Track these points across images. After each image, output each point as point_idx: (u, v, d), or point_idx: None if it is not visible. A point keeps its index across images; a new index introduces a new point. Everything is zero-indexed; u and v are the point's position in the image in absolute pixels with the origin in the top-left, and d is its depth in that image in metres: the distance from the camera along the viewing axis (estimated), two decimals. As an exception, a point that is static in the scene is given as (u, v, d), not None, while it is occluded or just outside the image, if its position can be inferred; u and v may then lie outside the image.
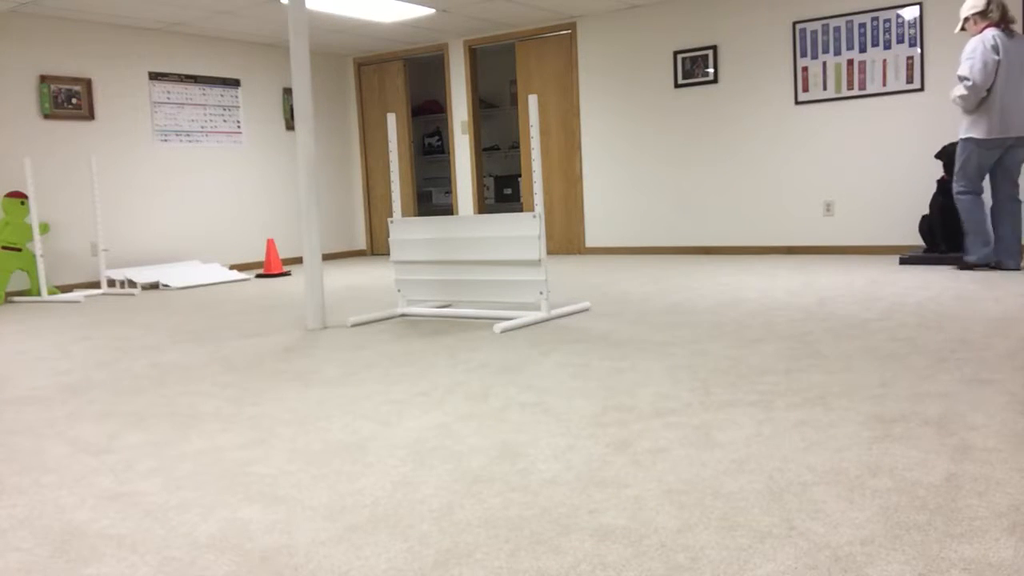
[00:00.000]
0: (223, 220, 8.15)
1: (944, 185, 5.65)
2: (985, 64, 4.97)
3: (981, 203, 5.23)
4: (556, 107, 8.15)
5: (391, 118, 4.75)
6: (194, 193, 7.89)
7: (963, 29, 5.26)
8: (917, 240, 6.48)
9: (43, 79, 6.78)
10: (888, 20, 6.41)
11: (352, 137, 9.54)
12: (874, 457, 1.90)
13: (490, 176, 10.33)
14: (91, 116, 7.09)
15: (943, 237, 5.69)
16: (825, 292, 4.63)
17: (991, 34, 5.03)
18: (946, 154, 5.68)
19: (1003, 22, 5.08)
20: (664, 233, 7.63)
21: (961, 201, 5.26)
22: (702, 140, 7.35)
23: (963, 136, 5.18)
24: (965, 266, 5.34)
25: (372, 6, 7.00)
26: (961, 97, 5.07)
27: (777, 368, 2.86)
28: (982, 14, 5.09)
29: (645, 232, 7.73)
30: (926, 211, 6.34)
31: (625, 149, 7.77)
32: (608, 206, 7.92)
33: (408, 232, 4.65)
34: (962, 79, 5.04)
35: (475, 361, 3.26)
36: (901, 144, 6.47)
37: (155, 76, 7.57)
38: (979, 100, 5.03)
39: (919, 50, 6.30)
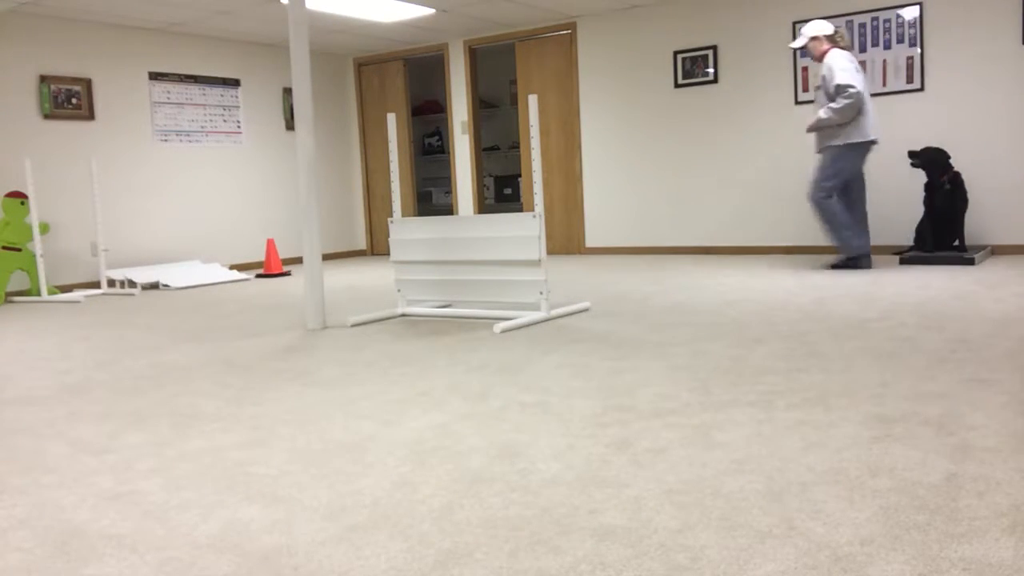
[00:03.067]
0: (223, 220, 8.15)
1: (929, 187, 5.81)
2: (859, 74, 5.31)
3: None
4: (556, 107, 8.16)
5: (391, 118, 4.75)
6: (194, 193, 7.89)
7: (804, 48, 5.59)
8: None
9: (43, 79, 6.78)
10: (888, 20, 6.42)
11: (352, 137, 9.54)
12: (874, 457, 1.90)
13: (490, 176, 10.33)
14: (91, 116, 7.09)
15: (931, 237, 5.86)
16: (825, 292, 4.63)
17: (845, 53, 5.40)
18: (928, 159, 5.81)
19: (843, 46, 5.48)
20: (664, 233, 7.63)
21: (830, 204, 5.46)
22: (702, 140, 7.35)
23: (843, 143, 5.40)
24: (848, 264, 5.60)
25: (372, 6, 7.00)
26: (842, 109, 5.28)
27: (777, 368, 2.86)
28: (830, 37, 5.48)
29: (645, 232, 7.73)
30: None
31: (625, 149, 7.77)
32: (608, 206, 7.92)
33: (408, 232, 4.65)
34: (844, 88, 5.26)
35: (475, 361, 3.26)
36: (901, 144, 6.47)
37: (155, 76, 7.57)
38: (860, 107, 5.31)
39: (919, 50, 6.30)
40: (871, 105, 5.37)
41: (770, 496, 1.70)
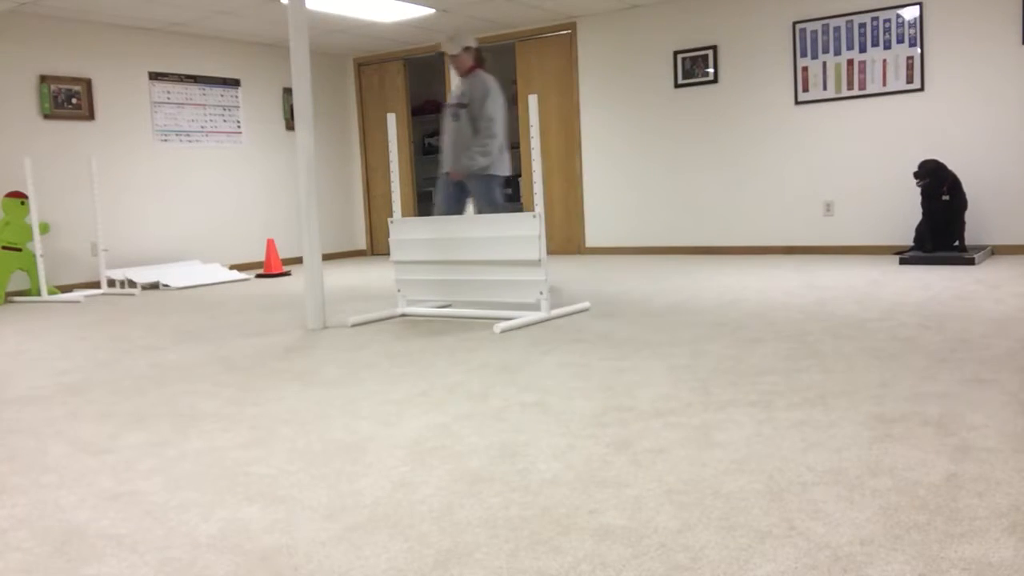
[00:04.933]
0: (223, 220, 8.15)
1: (926, 190, 5.85)
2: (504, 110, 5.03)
3: None
4: (556, 107, 8.15)
5: (391, 118, 4.75)
6: (194, 193, 7.88)
7: (447, 53, 5.15)
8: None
9: (43, 79, 6.78)
10: (888, 20, 6.41)
11: (352, 137, 9.54)
12: (874, 457, 1.90)
13: (490, 176, 10.32)
14: (91, 116, 7.09)
15: (931, 239, 5.91)
16: (825, 292, 4.63)
17: (492, 78, 5.07)
18: (928, 172, 5.84)
19: (487, 68, 5.19)
20: (664, 233, 7.63)
21: None
22: (702, 140, 7.35)
23: (492, 173, 5.04)
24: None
25: (372, 6, 7.00)
26: (493, 152, 4.95)
27: (777, 368, 2.86)
28: (477, 54, 5.12)
29: (645, 232, 7.73)
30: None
31: (625, 149, 7.76)
32: (608, 206, 7.92)
33: (408, 232, 4.65)
34: (493, 131, 4.92)
35: (475, 361, 3.26)
36: (901, 144, 6.47)
37: (155, 76, 7.57)
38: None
39: (919, 50, 6.30)
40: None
41: (770, 496, 1.70)
